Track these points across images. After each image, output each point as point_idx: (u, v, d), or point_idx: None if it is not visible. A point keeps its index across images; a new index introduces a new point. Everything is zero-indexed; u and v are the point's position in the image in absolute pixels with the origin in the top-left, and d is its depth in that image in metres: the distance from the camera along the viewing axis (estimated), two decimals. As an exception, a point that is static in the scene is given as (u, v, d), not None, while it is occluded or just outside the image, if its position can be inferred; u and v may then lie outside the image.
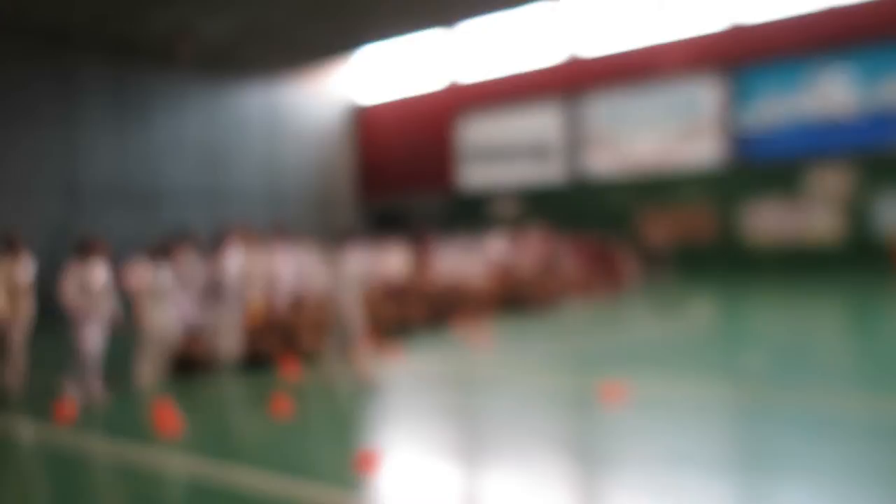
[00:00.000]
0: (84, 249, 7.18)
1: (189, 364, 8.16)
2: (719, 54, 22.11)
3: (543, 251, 17.20)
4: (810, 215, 20.47)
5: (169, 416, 6.08)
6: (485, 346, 9.70)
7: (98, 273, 7.14)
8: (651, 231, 23.15)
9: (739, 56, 21.78)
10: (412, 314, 11.22)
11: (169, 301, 8.01)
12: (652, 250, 22.54)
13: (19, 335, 7.51)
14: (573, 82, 25.04)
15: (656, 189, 23.30)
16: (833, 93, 20.34)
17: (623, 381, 7.10)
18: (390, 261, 12.25)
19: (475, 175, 27.66)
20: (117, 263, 8.35)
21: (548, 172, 25.72)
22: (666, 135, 23.24)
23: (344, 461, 4.87)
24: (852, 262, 19.74)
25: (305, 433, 5.70)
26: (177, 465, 4.95)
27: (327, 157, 28.89)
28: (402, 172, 29.53)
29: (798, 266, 20.30)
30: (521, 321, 12.22)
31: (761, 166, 21.52)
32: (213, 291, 8.49)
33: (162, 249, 8.20)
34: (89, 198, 21.23)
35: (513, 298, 13.67)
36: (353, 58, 29.30)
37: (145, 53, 21.81)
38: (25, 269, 7.57)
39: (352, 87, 30.13)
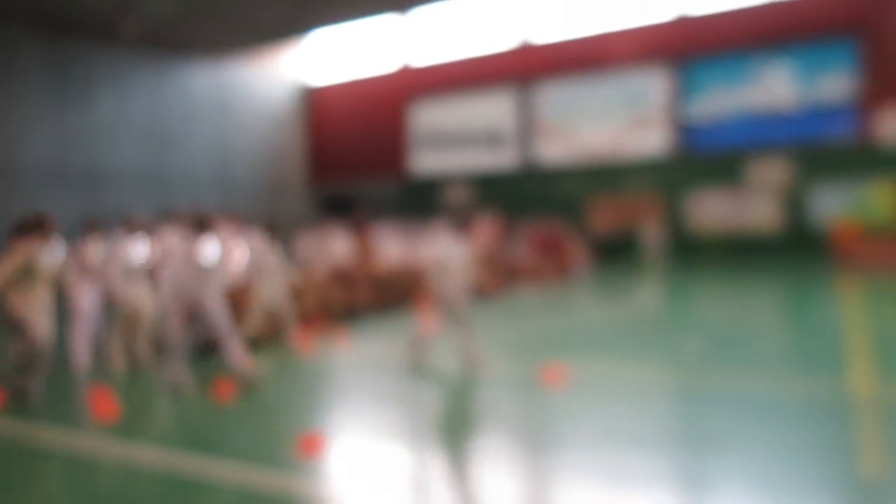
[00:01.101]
0: (201, 225, 6.85)
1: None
2: (667, 46, 22.55)
3: (493, 238, 17.34)
4: (751, 204, 21.14)
5: (105, 401, 5.94)
6: (432, 332, 9.75)
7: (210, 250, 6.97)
8: (599, 218, 23.56)
9: (686, 48, 22.25)
10: (360, 299, 11.19)
11: (146, 280, 7.90)
12: (599, 236, 22.93)
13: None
14: (526, 69, 25.18)
15: (606, 177, 23.70)
16: (775, 86, 20.99)
17: (567, 364, 7.24)
18: (335, 246, 12.18)
19: (427, 161, 27.62)
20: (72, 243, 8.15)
21: (500, 159, 25.87)
22: (616, 124, 23.63)
23: (287, 445, 4.85)
24: (790, 249, 20.51)
25: (247, 418, 5.65)
26: (110, 451, 4.85)
27: (278, 141, 28.42)
28: (354, 157, 29.28)
29: (739, 252, 20.97)
30: (471, 307, 12.31)
31: (706, 156, 22.10)
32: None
33: (144, 226, 8.07)
34: (27, 179, 20.43)
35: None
36: (305, 39, 28.82)
37: (87, 30, 21.02)
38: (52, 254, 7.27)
39: (303, 69, 29.65)
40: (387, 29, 27.91)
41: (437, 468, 4.44)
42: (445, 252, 7.33)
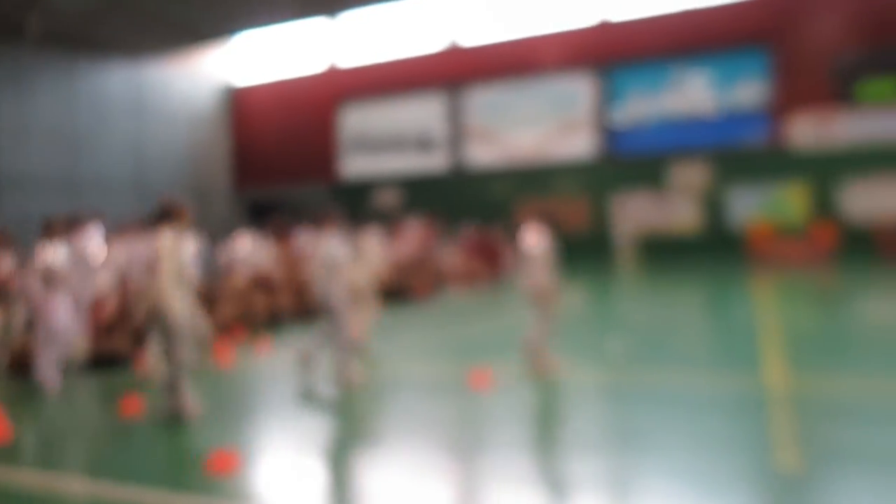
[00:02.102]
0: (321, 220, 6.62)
1: (25, 364, 7.40)
2: (592, 52, 23.02)
3: (423, 241, 17.20)
4: (673, 206, 21.80)
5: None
6: (360, 337, 9.51)
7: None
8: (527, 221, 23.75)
9: (610, 54, 22.78)
10: (283, 306, 10.83)
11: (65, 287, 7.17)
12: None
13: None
14: (455, 73, 25.22)
15: (534, 180, 23.97)
16: (693, 93, 21.74)
17: (495, 366, 7.16)
18: (256, 252, 11.77)
19: (357, 164, 27.28)
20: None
21: (430, 162, 25.80)
22: (543, 128, 23.94)
23: (195, 464, 4.54)
24: (709, 249, 21.24)
25: (154, 435, 5.29)
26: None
27: (200, 143, 27.45)
28: (282, 160, 28.61)
29: (662, 254, 21.58)
30: (400, 311, 12.13)
31: (630, 160, 22.66)
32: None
33: (59, 228, 7.29)
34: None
35: (392, 289, 13.55)
36: (230, 40, 28.00)
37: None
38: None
39: (228, 70, 28.78)
40: (315, 30, 27.43)
41: (356, 480, 4.24)
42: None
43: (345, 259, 6.90)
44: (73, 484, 4.25)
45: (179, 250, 5.63)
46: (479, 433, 5.07)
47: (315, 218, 7.17)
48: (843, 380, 6.13)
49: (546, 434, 5.02)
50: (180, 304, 5.57)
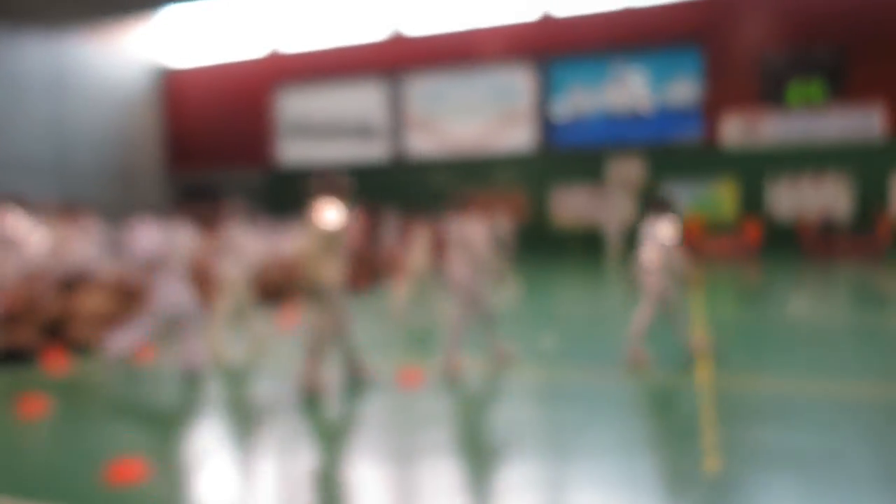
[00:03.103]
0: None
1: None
2: (532, 44, 23.05)
3: (362, 232, 16.87)
4: (610, 200, 22.09)
5: None
6: (291, 331, 9.22)
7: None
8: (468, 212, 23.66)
9: (550, 47, 22.86)
10: (211, 298, 10.38)
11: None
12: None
13: None
14: (396, 61, 24.85)
15: (474, 171, 23.91)
16: (630, 88, 22.05)
17: (427, 364, 7.00)
18: (182, 240, 11.22)
19: (295, 150, 26.62)
20: None
21: (370, 151, 25.40)
22: (484, 119, 23.88)
23: (93, 471, 4.22)
24: (644, 244, 21.56)
25: (53, 439, 4.91)
26: None
27: (129, 124, 26.22)
28: (217, 144, 27.66)
29: (599, 247, 21.85)
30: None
31: (569, 153, 22.84)
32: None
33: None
34: None
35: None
36: (160, 16, 26.82)
37: None
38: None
39: (159, 49, 27.56)
40: (252, 12, 26.53)
41: (265, 482, 4.00)
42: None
43: (484, 245, 6.87)
44: (-46, 498, 3.87)
45: (336, 223, 5.91)
46: (408, 431, 4.90)
47: (461, 202, 7.05)
48: (766, 378, 6.23)
49: (476, 436, 4.90)
50: (332, 274, 5.89)
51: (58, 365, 7.15)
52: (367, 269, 14.56)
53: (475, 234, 6.83)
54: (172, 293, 6.57)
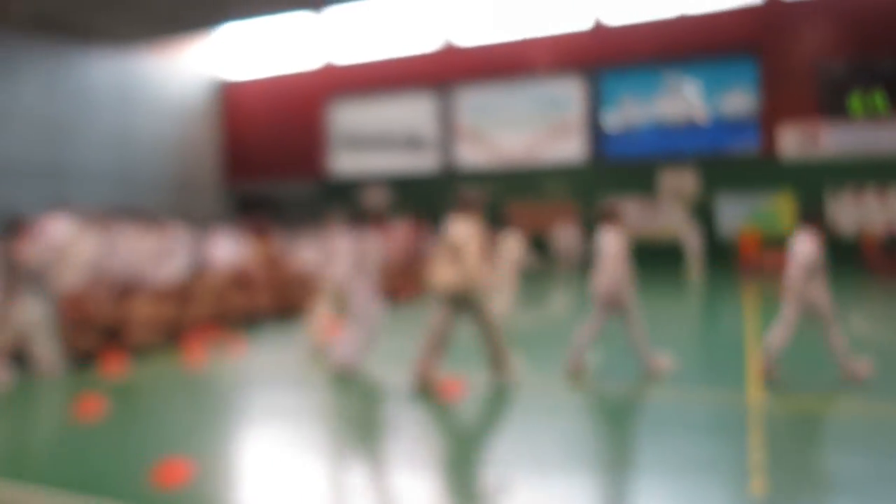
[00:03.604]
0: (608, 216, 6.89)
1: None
2: (583, 55, 22.90)
3: (411, 242, 17.01)
4: (663, 212, 21.70)
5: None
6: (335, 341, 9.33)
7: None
8: (517, 223, 23.63)
9: (602, 58, 22.66)
10: (260, 304, 10.63)
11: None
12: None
13: None
14: (447, 73, 25.04)
15: (524, 182, 23.84)
16: (683, 99, 21.66)
17: (472, 374, 6.99)
18: (232, 247, 11.54)
19: (346, 161, 27.06)
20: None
21: (420, 162, 25.61)
22: (534, 130, 23.81)
23: (143, 473, 4.36)
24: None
25: (107, 441, 5.09)
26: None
27: (188, 136, 27.14)
28: (271, 155, 28.35)
29: (652, 260, 21.47)
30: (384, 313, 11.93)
31: (620, 164, 22.55)
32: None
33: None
34: None
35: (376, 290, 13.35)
36: (218, 32, 27.71)
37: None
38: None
39: (217, 63, 28.48)
40: (306, 26, 27.18)
41: (315, 494, 4.06)
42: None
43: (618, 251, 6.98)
44: (8, 492, 4.05)
45: (478, 236, 6.47)
46: (467, 446, 4.90)
47: (600, 212, 7.23)
48: (822, 399, 6.00)
49: (530, 449, 4.86)
50: (485, 286, 6.46)
51: (115, 368, 7.42)
52: (413, 279, 14.66)
53: (510, 245, 6.97)
54: (371, 299, 7.21)
